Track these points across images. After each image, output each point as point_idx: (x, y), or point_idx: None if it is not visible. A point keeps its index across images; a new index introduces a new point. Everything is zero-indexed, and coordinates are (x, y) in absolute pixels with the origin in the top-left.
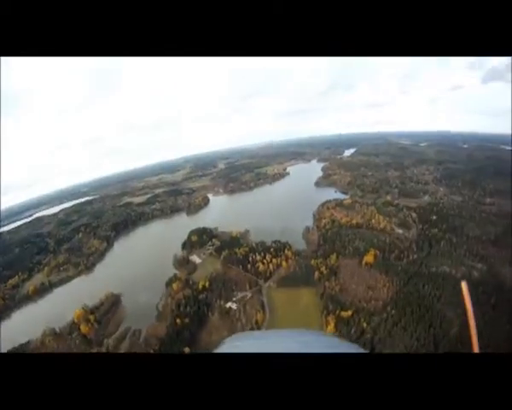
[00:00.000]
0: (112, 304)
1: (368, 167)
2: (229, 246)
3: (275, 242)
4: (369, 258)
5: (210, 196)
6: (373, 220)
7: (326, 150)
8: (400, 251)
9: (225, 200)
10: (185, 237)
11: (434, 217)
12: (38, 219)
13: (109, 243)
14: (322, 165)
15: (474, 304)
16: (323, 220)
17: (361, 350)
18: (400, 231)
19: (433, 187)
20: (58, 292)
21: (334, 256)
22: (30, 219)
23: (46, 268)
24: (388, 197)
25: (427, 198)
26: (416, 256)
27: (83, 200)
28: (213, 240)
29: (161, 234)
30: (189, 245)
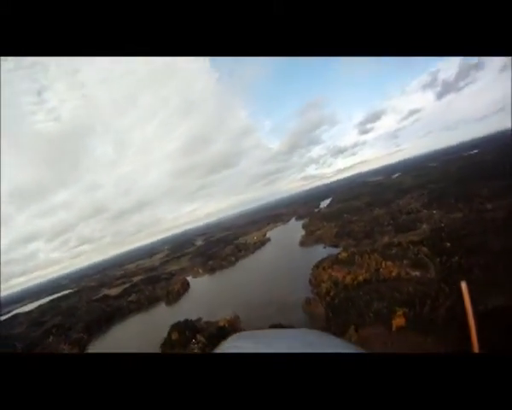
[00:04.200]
0: None
1: (351, 213)
2: (217, 340)
3: (272, 327)
4: (399, 321)
5: (189, 278)
6: (381, 270)
7: (302, 207)
8: (432, 299)
9: (206, 281)
10: (165, 333)
11: (448, 244)
12: (15, 316)
13: (81, 347)
14: (301, 222)
15: None
16: (323, 285)
17: (360, 350)
18: (417, 273)
19: (425, 213)
20: None
21: (351, 330)
22: (6, 316)
23: None
24: (386, 238)
25: (425, 226)
26: (454, 299)
27: (60, 294)
28: (198, 336)
29: (138, 333)
30: (169, 345)
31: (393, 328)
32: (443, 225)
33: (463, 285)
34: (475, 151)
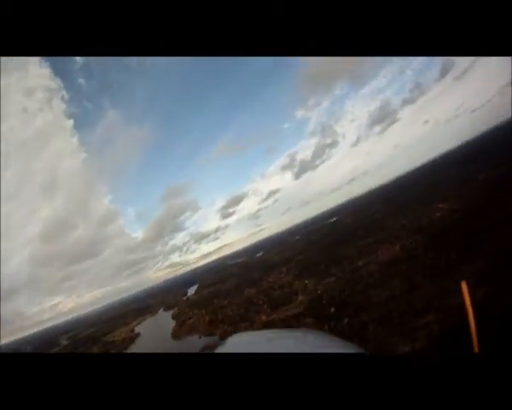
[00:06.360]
0: None
1: (220, 297)
2: None
3: None
4: None
5: None
6: None
7: (169, 296)
8: None
9: None
10: None
11: (332, 309)
12: None
13: None
14: (171, 312)
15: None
16: None
17: (360, 350)
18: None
19: (298, 284)
20: None
21: None
22: None
23: None
24: (263, 317)
25: (302, 297)
26: None
27: None
28: None
29: None
30: None
31: None
32: (319, 292)
33: (463, 285)
34: (335, 218)
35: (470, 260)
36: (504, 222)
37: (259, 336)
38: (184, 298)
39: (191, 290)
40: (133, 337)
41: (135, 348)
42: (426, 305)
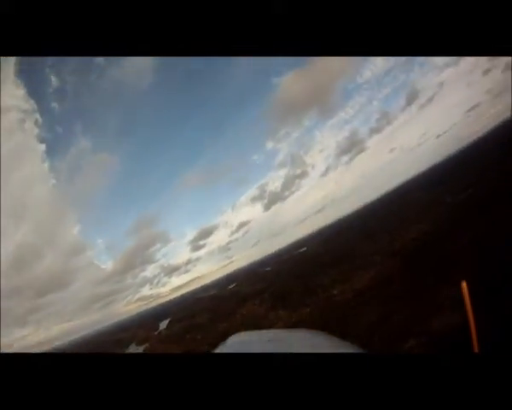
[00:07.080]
0: None
1: (192, 332)
2: None
3: None
4: None
5: None
6: None
7: (140, 330)
8: None
9: None
10: None
11: None
12: None
13: None
14: (142, 347)
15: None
16: None
17: (360, 350)
18: None
19: (273, 315)
20: None
21: None
22: None
23: None
24: None
25: (280, 324)
26: None
27: None
28: None
29: None
30: None
31: None
32: (294, 322)
33: (464, 285)
34: (305, 248)
35: (446, 282)
36: (475, 243)
37: (259, 336)
38: (156, 333)
39: (163, 325)
40: None
41: None
42: (406, 330)
